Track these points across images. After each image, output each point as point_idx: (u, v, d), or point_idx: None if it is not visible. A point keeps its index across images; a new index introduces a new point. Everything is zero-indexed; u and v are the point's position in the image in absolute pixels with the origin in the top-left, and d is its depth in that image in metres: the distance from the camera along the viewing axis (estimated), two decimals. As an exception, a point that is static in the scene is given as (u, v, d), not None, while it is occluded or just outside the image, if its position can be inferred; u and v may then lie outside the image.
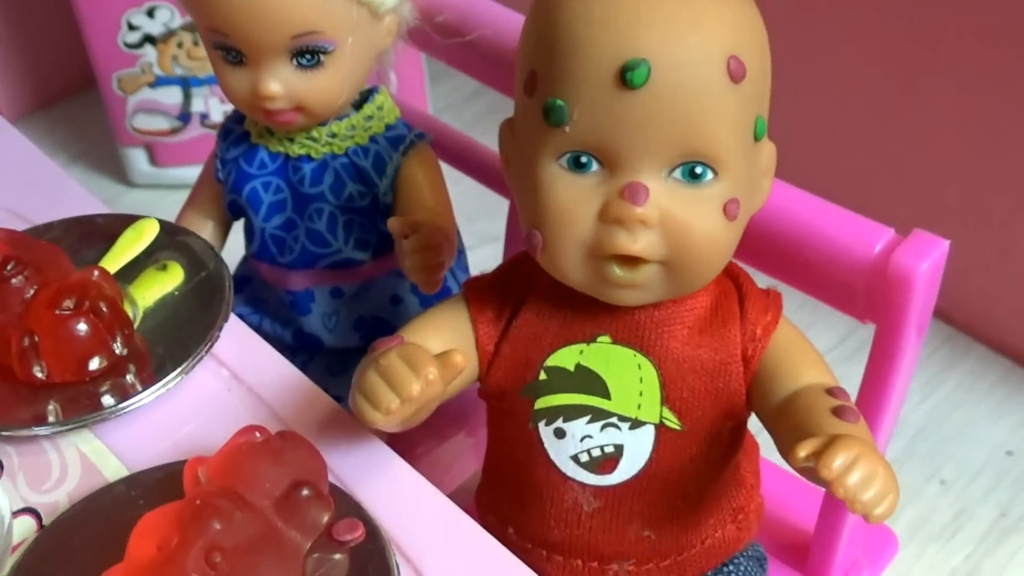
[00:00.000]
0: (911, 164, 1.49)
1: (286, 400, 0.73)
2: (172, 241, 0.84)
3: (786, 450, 0.63)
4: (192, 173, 1.02)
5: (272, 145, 0.92)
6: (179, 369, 0.74)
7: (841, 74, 1.51)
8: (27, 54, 2.01)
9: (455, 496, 0.68)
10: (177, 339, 0.76)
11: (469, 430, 1.03)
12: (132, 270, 0.81)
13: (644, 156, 0.62)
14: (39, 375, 0.72)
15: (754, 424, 0.73)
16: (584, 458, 0.72)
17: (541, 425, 0.72)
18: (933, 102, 1.42)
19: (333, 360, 0.99)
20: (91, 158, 1.95)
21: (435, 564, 0.63)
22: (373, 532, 0.63)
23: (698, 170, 0.62)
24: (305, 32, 0.82)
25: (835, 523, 0.84)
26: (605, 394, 0.70)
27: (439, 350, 0.68)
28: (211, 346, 0.76)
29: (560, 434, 0.72)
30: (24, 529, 0.66)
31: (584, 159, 0.63)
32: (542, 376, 0.71)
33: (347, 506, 0.64)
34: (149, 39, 1.70)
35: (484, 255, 1.21)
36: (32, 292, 0.73)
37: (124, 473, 0.69)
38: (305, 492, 0.60)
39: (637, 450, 0.71)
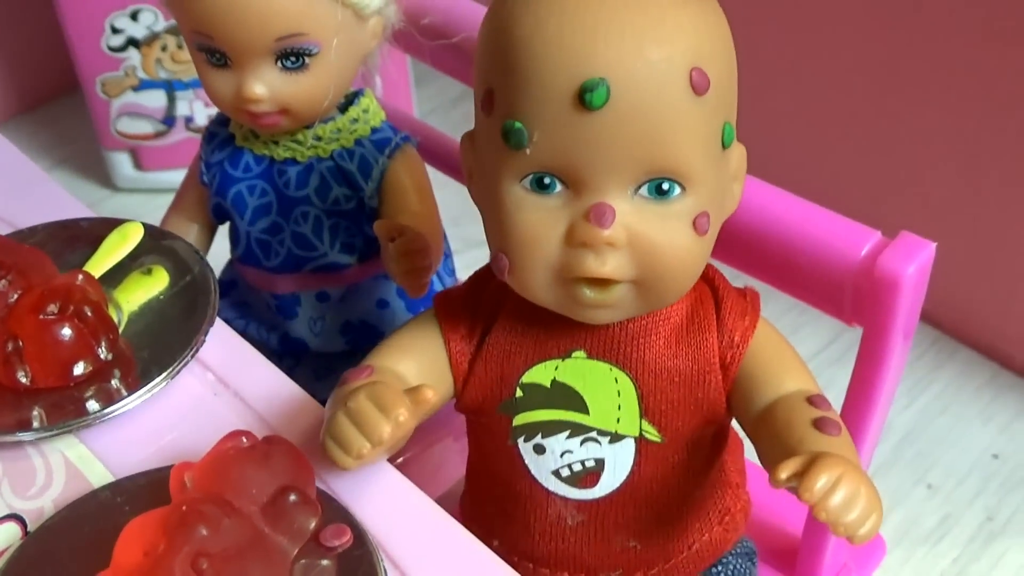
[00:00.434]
0: (898, 166, 1.49)
1: (272, 405, 0.73)
2: (157, 245, 0.83)
3: (766, 464, 0.63)
4: (176, 177, 1.02)
5: (257, 148, 0.92)
6: (164, 374, 0.73)
7: (828, 76, 1.51)
8: (10, 57, 2.00)
9: (442, 501, 0.68)
10: (162, 344, 0.76)
11: (455, 435, 1.02)
12: (117, 274, 0.81)
13: (608, 176, 0.60)
14: (23, 380, 0.72)
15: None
16: (565, 473, 0.71)
17: (520, 441, 0.71)
18: (920, 105, 1.42)
19: (319, 364, 0.99)
20: (75, 162, 1.95)
21: (422, 569, 0.63)
22: (360, 537, 0.62)
23: (665, 186, 0.60)
24: (290, 34, 0.82)
25: (823, 527, 0.83)
26: (583, 409, 0.70)
27: (412, 372, 0.69)
28: (196, 350, 0.75)
29: (540, 450, 0.71)
30: (8, 536, 0.66)
31: (547, 180, 0.61)
32: (518, 393, 0.70)
33: (334, 511, 0.64)
34: (133, 42, 1.69)
35: (470, 258, 1.21)
36: (16, 297, 0.73)
37: (109, 479, 0.69)
38: (292, 497, 0.60)
39: (618, 464, 0.71)
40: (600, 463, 0.71)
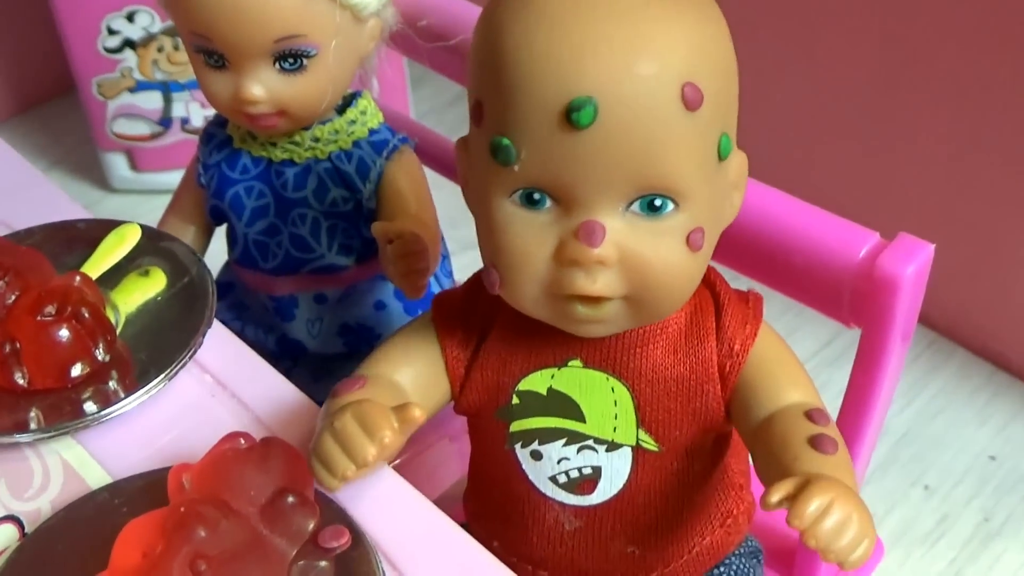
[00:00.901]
0: (895, 168, 1.49)
1: (270, 406, 0.72)
2: (154, 247, 0.83)
3: (761, 480, 0.62)
4: (173, 178, 1.02)
5: (255, 150, 0.92)
6: (162, 375, 0.73)
7: (827, 77, 1.51)
8: (6, 58, 2.00)
9: (439, 502, 0.68)
10: (160, 345, 0.76)
11: (452, 437, 1.02)
12: (114, 276, 0.81)
13: (599, 193, 0.58)
14: (20, 382, 0.72)
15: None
16: (562, 479, 0.71)
17: (517, 447, 0.71)
18: (917, 106, 1.42)
19: (317, 366, 0.99)
20: (71, 163, 1.95)
21: (420, 570, 0.63)
22: (358, 539, 0.62)
23: (657, 202, 0.59)
24: (288, 36, 0.82)
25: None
26: (579, 417, 0.69)
27: (408, 379, 0.69)
28: (194, 352, 0.75)
29: (537, 456, 0.71)
30: (6, 537, 0.66)
31: (537, 196, 0.59)
32: (515, 400, 0.70)
33: (332, 513, 0.63)
34: (129, 44, 1.69)
35: (468, 260, 1.21)
36: (13, 298, 0.73)
37: (107, 480, 0.68)
38: (290, 499, 0.60)
39: (615, 472, 0.70)
40: (597, 471, 0.70)
